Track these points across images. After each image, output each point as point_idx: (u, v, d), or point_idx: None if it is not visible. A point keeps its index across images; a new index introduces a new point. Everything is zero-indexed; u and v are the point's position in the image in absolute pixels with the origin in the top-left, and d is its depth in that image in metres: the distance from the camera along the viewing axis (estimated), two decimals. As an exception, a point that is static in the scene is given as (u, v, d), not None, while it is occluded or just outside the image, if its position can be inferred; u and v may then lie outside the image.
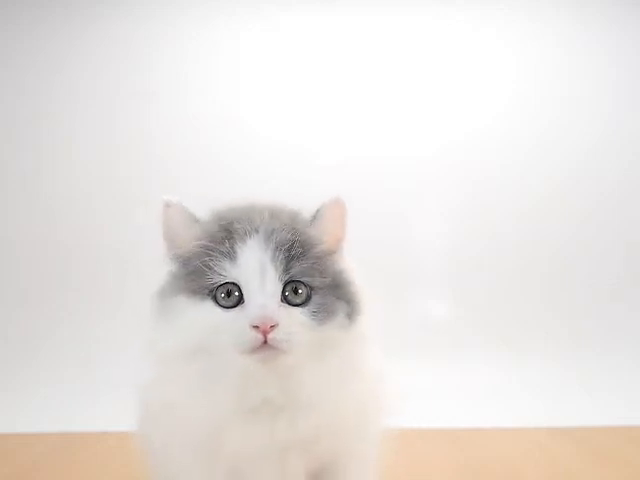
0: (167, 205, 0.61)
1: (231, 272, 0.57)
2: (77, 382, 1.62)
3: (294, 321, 0.57)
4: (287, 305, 0.58)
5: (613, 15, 1.94)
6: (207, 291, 0.58)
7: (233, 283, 0.57)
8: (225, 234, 0.59)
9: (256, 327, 0.55)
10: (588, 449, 1.19)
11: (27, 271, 1.83)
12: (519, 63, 1.94)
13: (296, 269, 0.58)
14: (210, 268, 0.58)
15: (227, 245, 0.58)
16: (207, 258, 0.58)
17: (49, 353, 1.73)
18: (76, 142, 1.88)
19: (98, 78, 1.89)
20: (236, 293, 0.57)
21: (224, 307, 0.57)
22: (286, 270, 0.58)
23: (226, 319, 0.57)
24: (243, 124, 1.87)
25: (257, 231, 0.59)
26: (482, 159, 1.91)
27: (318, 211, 0.64)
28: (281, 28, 1.90)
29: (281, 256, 0.58)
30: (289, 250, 0.58)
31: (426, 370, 1.54)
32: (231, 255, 0.58)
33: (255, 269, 0.57)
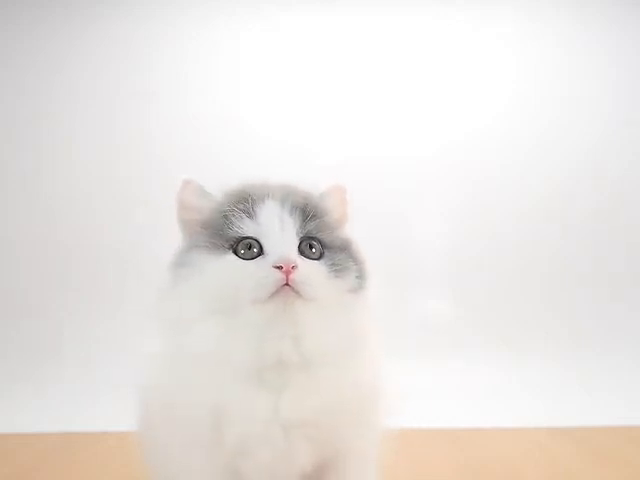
0: (187, 182, 0.65)
1: (251, 228, 0.61)
2: (77, 382, 1.62)
3: (312, 269, 0.60)
4: (304, 258, 0.61)
5: (613, 15, 1.94)
6: (228, 245, 0.61)
7: (253, 239, 0.60)
8: (244, 197, 0.63)
9: (278, 268, 0.57)
10: (588, 449, 1.19)
11: (27, 271, 1.83)
12: (519, 63, 1.94)
13: (311, 226, 0.62)
14: (232, 222, 0.61)
15: (247, 205, 0.62)
16: (229, 213, 0.62)
17: (49, 353, 1.73)
18: (76, 142, 1.88)
19: (98, 78, 1.89)
20: (254, 250, 0.60)
21: (245, 259, 0.60)
22: (302, 226, 0.62)
23: (248, 267, 0.59)
24: (243, 124, 1.87)
25: (274, 194, 0.63)
26: (482, 159, 1.91)
27: (322, 193, 0.68)
28: (281, 28, 1.90)
29: (297, 214, 0.62)
30: (303, 210, 0.63)
31: (426, 370, 1.54)
32: (251, 214, 0.61)
33: (274, 224, 0.61)
